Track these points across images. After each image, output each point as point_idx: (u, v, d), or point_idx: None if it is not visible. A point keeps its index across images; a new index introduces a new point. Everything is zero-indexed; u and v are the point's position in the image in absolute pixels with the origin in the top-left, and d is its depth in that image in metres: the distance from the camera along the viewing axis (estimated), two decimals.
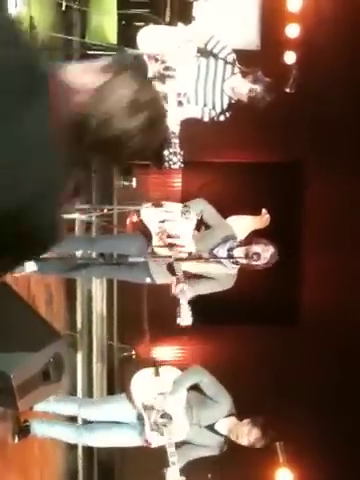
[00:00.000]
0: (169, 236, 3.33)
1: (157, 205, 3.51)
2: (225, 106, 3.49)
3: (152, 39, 3.40)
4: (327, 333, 6.34)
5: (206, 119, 3.51)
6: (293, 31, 5.72)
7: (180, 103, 3.42)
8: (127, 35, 4.16)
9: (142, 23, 3.91)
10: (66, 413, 3.65)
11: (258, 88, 3.40)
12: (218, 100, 3.45)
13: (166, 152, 3.11)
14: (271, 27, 5.65)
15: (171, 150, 3.09)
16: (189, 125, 3.67)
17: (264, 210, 3.86)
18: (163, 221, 3.38)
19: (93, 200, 5.23)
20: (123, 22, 4.36)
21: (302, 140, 6.49)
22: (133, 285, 5.95)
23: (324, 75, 6.10)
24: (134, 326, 6.28)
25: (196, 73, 3.40)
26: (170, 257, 3.23)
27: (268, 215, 3.86)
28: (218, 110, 3.49)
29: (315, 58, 5.92)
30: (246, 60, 3.75)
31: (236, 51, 5.27)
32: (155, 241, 3.36)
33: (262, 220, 3.86)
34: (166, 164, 3.12)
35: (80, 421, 3.69)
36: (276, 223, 3.92)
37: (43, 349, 2.66)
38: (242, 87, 3.43)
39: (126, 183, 5.92)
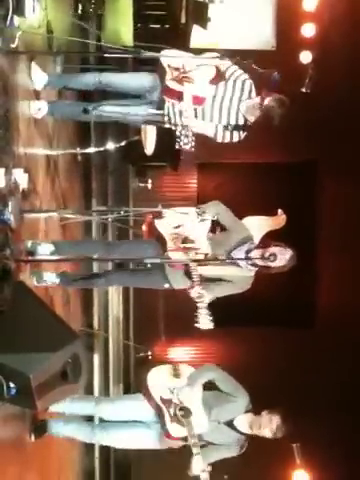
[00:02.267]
0: (184, 241, 3.32)
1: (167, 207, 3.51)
2: (240, 125, 3.49)
3: (173, 57, 3.45)
4: (343, 335, 6.31)
5: (219, 140, 3.52)
6: (309, 31, 5.71)
7: (195, 114, 3.43)
8: (143, 37, 4.18)
9: (158, 25, 3.92)
10: (82, 413, 3.63)
11: (273, 106, 3.42)
12: (233, 119, 3.47)
13: (178, 133, 3.11)
14: (287, 27, 5.64)
15: (183, 132, 3.09)
16: None
17: (280, 210, 3.84)
18: (178, 226, 3.37)
19: (109, 202, 5.27)
20: (139, 24, 4.38)
21: (317, 140, 6.46)
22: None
23: (339, 75, 6.08)
24: (150, 327, 6.30)
25: (214, 91, 3.43)
26: (186, 262, 3.22)
27: (284, 215, 3.85)
28: (231, 128, 3.49)
29: (331, 58, 5.90)
30: (262, 60, 3.75)
31: (252, 51, 5.27)
32: (170, 246, 3.35)
33: (278, 220, 3.85)
34: (177, 144, 3.11)
35: (96, 421, 3.69)
36: (291, 224, 3.90)
37: (61, 350, 2.66)
38: (255, 110, 3.45)
39: (142, 184, 5.95)
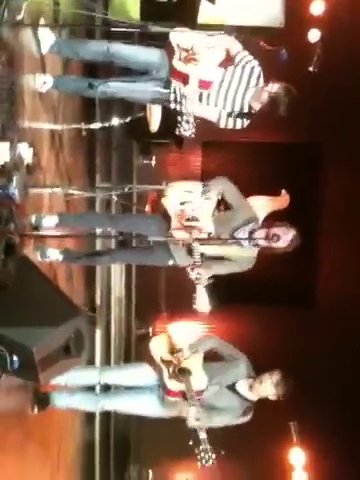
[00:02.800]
0: (188, 219, 3.31)
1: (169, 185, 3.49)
2: (244, 113, 3.45)
3: (183, 35, 3.37)
4: (342, 317, 6.34)
5: (222, 125, 3.48)
6: (318, 8, 5.61)
7: (200, 97, 3.39)
8: (149, 11, 4.12)
9: None
10: (86, 382, 3.68)
11: (280, 93, 3.37)
12: (238, 105, 3.43)
13: (179, 119, 3.08)
14: (296, 4, 5.54)
15: (184, 118, 3.06)
16: None
17: (284, 191, 3.83)
18: (183, 203, 3.36)
19: (112, 178, 5.25)
20: None
21: (322, 122, 6.41)
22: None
23: (348, 54, 5.99)
24: (151, 304, 6.33)
25: (221, 76, 3.37)
26: (189, 241, 3.22)
27: (288, 196, 3.84)
28: (235, 115, 3.44)
29: (339, 36, 5.81)
30: (270, 37, 3.69)
31: (260, 28, 5.17)
32: (174, 224, 3.35)
33: (282, 201, 3.84)
34: (177, 130, 3.09)
35: (98, 390, 3.74)
36: (294, 205, 3.90)
37: (64, 324, 2.68)
38: (261, 96, 3.40)
39: (146, 162, 5.92)
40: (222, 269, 3.40)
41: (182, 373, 3.36)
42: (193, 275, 3.17)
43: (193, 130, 3.08)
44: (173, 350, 3.46)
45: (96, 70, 3.93)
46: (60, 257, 3.56)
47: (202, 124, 3.42)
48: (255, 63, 3.46)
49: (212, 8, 4.83)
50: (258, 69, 3.46)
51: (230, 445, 3.64)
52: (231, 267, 3.42)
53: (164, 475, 6.68)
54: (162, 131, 4.31)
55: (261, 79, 3.47)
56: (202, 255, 3.28)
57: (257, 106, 3.45)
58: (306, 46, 5.27)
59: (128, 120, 4.15)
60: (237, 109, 3.44)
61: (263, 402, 3.53)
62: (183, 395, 3.39)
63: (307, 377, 6.13)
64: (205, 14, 4.92)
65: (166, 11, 4.28)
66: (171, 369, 3.39)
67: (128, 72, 3.55)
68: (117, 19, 3.58)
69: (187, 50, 3.33)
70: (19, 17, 2.86)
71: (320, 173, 6.79)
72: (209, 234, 3.31)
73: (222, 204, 3.44)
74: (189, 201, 3.35)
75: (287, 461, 5.56)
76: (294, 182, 5.68)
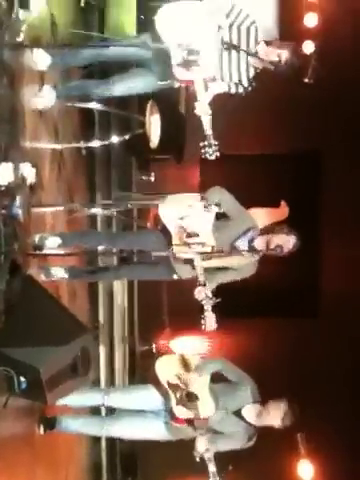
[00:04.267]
0: (189, 235, 3.27)
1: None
2: (251, 78, 3.36)
3: (171, 19, 3.23)
4: (347, 324, 6.31)
5: (233, 91, 3.37)
6: (311, 20, 5.66)
7: (214, 78, 3.30)
8: (146, 29, 4.14)
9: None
10: (91, 403, 3.65)
11: (286, 53, 3.29)
12: (244, 72, 3.33)
13: (201, 144, 3.05)
14: (289, 16, 5.59)
15: (206, 142, 3.03)
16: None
17: (283, 202, 3.84)
18: (182, 218, 3.34)
19: (112, 195, 5.26)
20: (142, 17, 4.35)
21: (319, 130, 6.44)
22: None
23: (343, 64, 6.04)
24: (154, 320, 6.30)
25: (220, 47, 3.24)
26: (192, 257, 3.20)
27: (287, 207, 3.85)
28: (245, 83, 3.37)
29: (334, 47, 5.86)
30: None
31: None
32: (175, 240, 3.33)
33: (281, 212, 3.85)
34: (203, 156, 3.06)
35: (103, 413, 3.70)
36: (295, 214, 3.90)
37: (71, 343, 2.68)
38: (269, 54, 3.29)
39: (145, 177, 5.93)
40: (226, 277, 3.39)
41: (190, 398, 3.32)
42: (200, 296, 3.15)
43: (217, 151, 3.06)
44: (186, 368, 3.42)
45: (91, 75, 3.90)
46: (66, 275, 3.54)
47: (199, 138, 3.42)
48: (250, 20, 3.31)
49: None
50: (255, 26, 3.32)
51: (237, 458, 3.62)
52: (234, 275, 3.40)
53: None
54: (162, 146, 4.33)
55: (259, 38, 3.32)
56: (205, 270, 3.27)
57: (261, 65, 3.33)
58: (301, 57, 5.32)
59: (128, 137, 4.16)
60: (244, 73, 3.34)
61: None
62: (190, 423, 3.36)
63: (314, 388, 6.10)
64: None
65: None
66: (178, 394, 3.35)
67: (124, 69, 3.47)
68: (113, 37, 3.60)
69: (180, 44, 3.14)
70: (19, 39, 2.89)
71: (320, 180, 6.81)
72: (212, 248, 3.30)
73: (220, 215, 3.42)
74: (187, 215, 3.34)
75: (295, 473, 5.51)
76: (295, 191, 5.70)
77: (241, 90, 3.42)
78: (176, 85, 3.44)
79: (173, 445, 3.70)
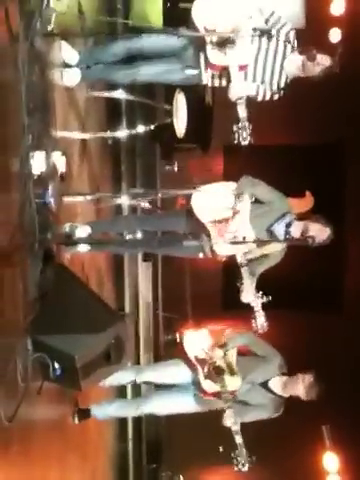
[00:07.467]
0: (233, 241, 3.24)
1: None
2: (283, 84, 3.37)
3: (208, 13, 3.20)
4: None
5: (260, 98, 3.38)
6: (338, 8, 5.59)
7: (245, 77, 3.27)
8: (173, 17, 4.12)
9: (188, 4, 3.85)
10: (123, 381, 3.73)
11: (325, 61, 3.30)
12: (276, 77, 3.32)
13: (235, 127, 3.00)
14: (316, 4, 5.52)
15: (240, 124, 2.98)
16: (229, 109, 3.59)
17: (308, 192, 3.80)
18: (217, 213, 3.28)
19: (137, 185, 5.27)
20: (168, 4, 4.31)
21: (345, 121, 6.36)
22: (178, 269, 5.94)
23: None
24: (178, 309, 6.31)
25: (256, 49, 3.26)
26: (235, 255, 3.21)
27: (312, 197, 3.81)
28: (274, 88, 3.36)
29: None
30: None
31: None
32: (214, 236, 3.28)
33: (306, 202, 3.81)
34: (235, 140, 3.02)
35: (129, 394, 3.70)
36: (319, 205, 3.86)
37: (105, 331, 2.69)
38: (311, 69, 3.29)
39: (168, 167, 5.92)
40: (263, 267, 3.38)
41: (217, 372, 3.36)
42: (247, 299, 3.17)
43: (250, 135, 3.02)
44: (214, 342, 3.47)
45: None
46: (88, 247, 3.38)
47: (224, 127, 3.38)
48: (289, 27, 3.32)
49: None
50: (293, 33, 3.33)
51: (262, 450, 3.62)
52: (268, 262, 3.39)
53: None
54: (188, 135, 4.31)
55: (295, 44, 3.33)
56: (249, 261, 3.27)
57: (295, 74, 3.33)
58: (327, 46, 5.25)
59: (153, 127, 4.15)
60: (275, 82, 3.34)
61: (295, 407, 3.53)
62: (218, 396, 3.41)
63: (338, 380, 6.06)
64: None
65: (189, 17, 4.27)
66: (206, 369, 3.38)
67: (154, 57, 3.40)
68: (140, 25, 3.57)
69: (214, 31, 3.12)
70: (49, 28, 2.89)
71: (346, 172, 6.73)
72: (257, 239, 3.29)
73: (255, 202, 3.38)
74: (223, 207, 3.32)
75: (320, 466, 5.50)
76: (319, 183, 5.63)
77: (268, 96, 3.40)
78: (204, 77, 3.37)
79: (197, 430, 3.73)
